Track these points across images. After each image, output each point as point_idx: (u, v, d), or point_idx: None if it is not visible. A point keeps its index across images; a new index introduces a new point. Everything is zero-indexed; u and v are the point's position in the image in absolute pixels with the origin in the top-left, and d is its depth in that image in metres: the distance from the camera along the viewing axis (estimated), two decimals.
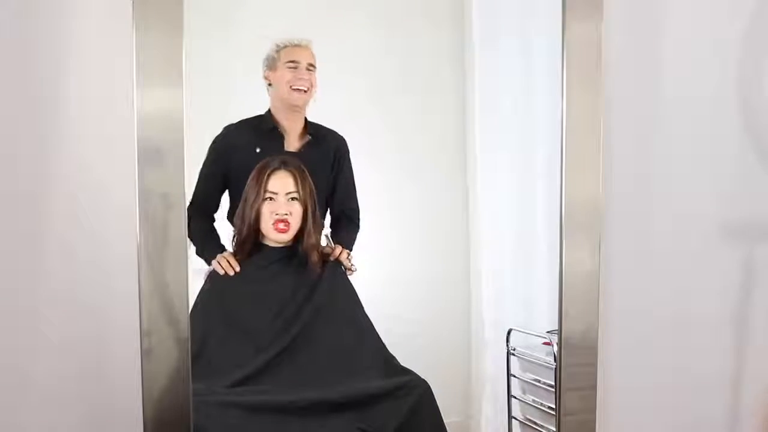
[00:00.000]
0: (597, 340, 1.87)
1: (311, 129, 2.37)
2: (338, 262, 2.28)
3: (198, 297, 2.15)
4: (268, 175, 2.18)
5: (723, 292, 2.02)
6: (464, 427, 2.58)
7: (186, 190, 1.64)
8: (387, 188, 2.45)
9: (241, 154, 2.27)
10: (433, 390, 2.05)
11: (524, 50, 2.41)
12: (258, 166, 2.20)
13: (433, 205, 2.57)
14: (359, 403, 1.98)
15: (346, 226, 2.42)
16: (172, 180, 1.62)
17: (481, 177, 2.52)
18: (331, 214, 2.41)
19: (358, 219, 2.44)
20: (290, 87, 2.32)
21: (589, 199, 1.85)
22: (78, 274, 1.69)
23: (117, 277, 1.68)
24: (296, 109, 2.35)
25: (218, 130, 2.32)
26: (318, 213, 2.25)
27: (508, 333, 2.43)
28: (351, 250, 2.36)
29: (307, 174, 2.22)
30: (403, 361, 2.20)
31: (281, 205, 2.18)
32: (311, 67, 2.33)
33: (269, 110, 2.37)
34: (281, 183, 2.19)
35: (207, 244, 2.26)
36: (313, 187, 2.23)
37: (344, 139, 2.40)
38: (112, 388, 1.68)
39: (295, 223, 2.20)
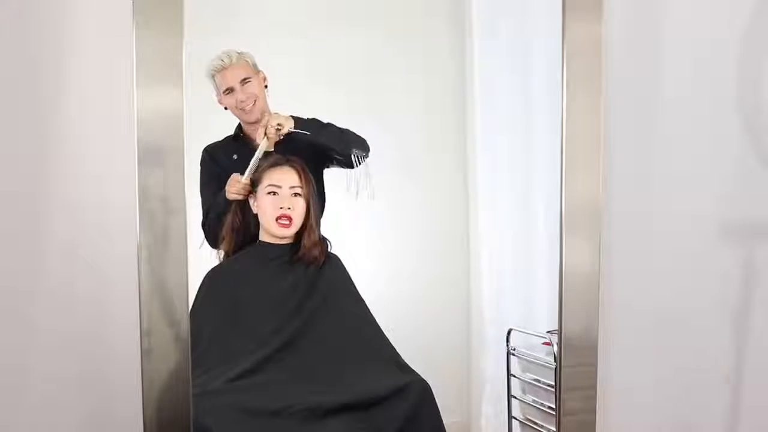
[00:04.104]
0: (597, 340, 1.87)
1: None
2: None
3: (197, 294, 2.14)
4: (269, 168, 2.18)
5: (723, 292, 2.02)
6: (464, 427, 2.57)
7: (186, 190, 1.64)
8: (387, 188, 2.43)
9: (224, 165, 2.29)
10: (433, 390, 2.04)
11: (524, 50, 2.41)
12: (260, 162, 2.20)
13: (433, 205, 2.57)
14: (359, 405, 1.97)
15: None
16: (172, 180, 1.62)
17: (481, 177, 2.52)
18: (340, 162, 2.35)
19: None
20: (237, 109, 2.33)
21: (589, 199, 1.85)
22: (78, 274, 1.68)
23: (117, 277, 1.68)
24: (253, 122, 2.34)
25: (217, 130, 2.34)
26: (318, 211, 2.24)
27: (508, 333, 2.43)
28: (331, 140, 2.30)
29: (309, 172, 2.21)
30: None
31: (285, 199, 2.17)
32: (246, 80, 2.31)
33: (239, 122, 2.40)
34: (285, 176, 2.18)
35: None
36: (314, 185, 2.22)
37: (316, 119, 2.34)
38: (112, 388, 1.67)
39: (298, 219, 2.19)
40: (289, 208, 2.16)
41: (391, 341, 2.22)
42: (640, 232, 1.99)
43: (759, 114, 2.00)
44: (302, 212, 2.19)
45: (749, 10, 1.95)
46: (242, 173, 2.23)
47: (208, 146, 2.36)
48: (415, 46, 2.52)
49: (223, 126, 2.36)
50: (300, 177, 2.18)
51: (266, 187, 2.18)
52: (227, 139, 2.39)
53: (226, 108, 2.34)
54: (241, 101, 2.30)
